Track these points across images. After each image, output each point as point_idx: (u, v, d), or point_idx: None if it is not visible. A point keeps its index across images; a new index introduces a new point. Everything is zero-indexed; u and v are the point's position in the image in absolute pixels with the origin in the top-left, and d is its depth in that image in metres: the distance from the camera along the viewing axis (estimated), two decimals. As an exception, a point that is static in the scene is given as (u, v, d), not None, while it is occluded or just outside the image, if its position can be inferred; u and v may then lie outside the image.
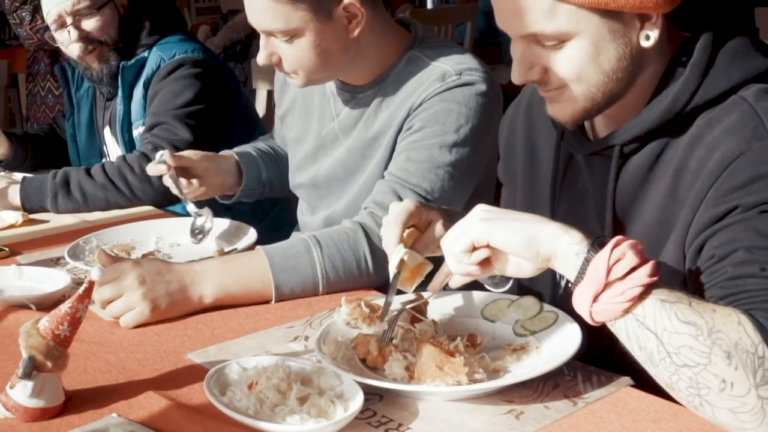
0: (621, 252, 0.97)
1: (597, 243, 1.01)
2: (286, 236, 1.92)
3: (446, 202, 1.50)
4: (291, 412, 1.04)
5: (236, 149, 1.91)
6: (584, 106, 1.20)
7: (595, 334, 1.09)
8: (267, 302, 1.44)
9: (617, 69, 1.17)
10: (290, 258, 1.43)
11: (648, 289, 0.98)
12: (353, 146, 1.67)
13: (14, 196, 2.00)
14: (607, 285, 0.98)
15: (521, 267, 1.07)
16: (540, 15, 1.13)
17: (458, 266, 1.09)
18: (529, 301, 1.24)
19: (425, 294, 1.26)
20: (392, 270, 1.19)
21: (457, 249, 1.08)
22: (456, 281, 1.14)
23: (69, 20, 2.14)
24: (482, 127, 1.55)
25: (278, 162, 1.92)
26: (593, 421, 1.03)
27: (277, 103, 1.92)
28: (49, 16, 2.18)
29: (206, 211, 1.73)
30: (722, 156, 1.10)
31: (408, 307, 1.23)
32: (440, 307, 1.31)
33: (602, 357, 1.17)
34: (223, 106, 2.17)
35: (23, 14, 3.23)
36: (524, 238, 1.05)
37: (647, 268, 0.97)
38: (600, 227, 1.26)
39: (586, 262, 1.00)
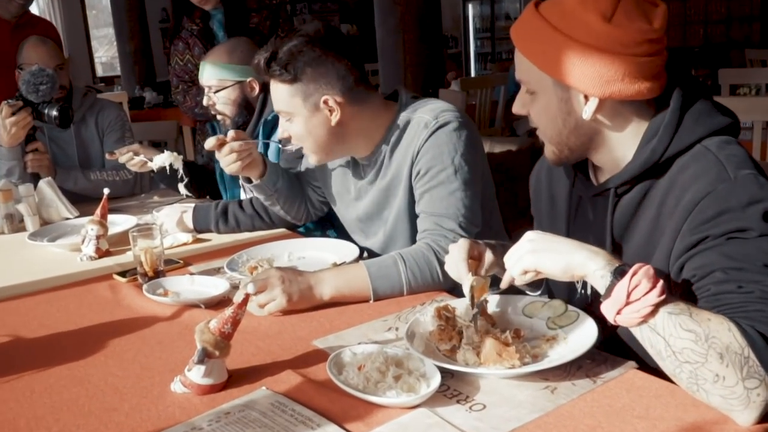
0: (638, 279, 1.07)
1: (618, 271, 1.10)
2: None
3: (470, 212, 1.77)
4: (389, 388, 1.17)
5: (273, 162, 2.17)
6: (553, 149, 1.35)
7: (603, 325, 1.22)
8: (367, 301, 1.64)
9: (564, 129, 1.30)
10: (383, 269, 1.66)
11: (658, 305, 1.07)
12: (378, 190, 1.94)
13: (188, 220, 2.32)
14: (627, 303, 1.07)
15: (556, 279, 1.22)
16: (523, 69, 1.32)
17: (518, 279, 1.26)
18: (557, 303, 1.38)
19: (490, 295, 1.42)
20: (467, 293, 1.36)
21: (516, 272, 1.23)
22: (516, 282, 1.28)
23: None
24: (468, 150, 1.78)
25: (293, 182, 2.18)
26: (608, 395, 1.14)
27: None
28: None
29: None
30: (693, 196, 1.18)
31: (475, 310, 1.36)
32: (495, 306, 1.46)
33: (609, 342, 1.29)
34: None
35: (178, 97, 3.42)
36: (562, 267, 1.17)
37: (657, 290, 1.06)
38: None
39: (612, 285, 1.09)
